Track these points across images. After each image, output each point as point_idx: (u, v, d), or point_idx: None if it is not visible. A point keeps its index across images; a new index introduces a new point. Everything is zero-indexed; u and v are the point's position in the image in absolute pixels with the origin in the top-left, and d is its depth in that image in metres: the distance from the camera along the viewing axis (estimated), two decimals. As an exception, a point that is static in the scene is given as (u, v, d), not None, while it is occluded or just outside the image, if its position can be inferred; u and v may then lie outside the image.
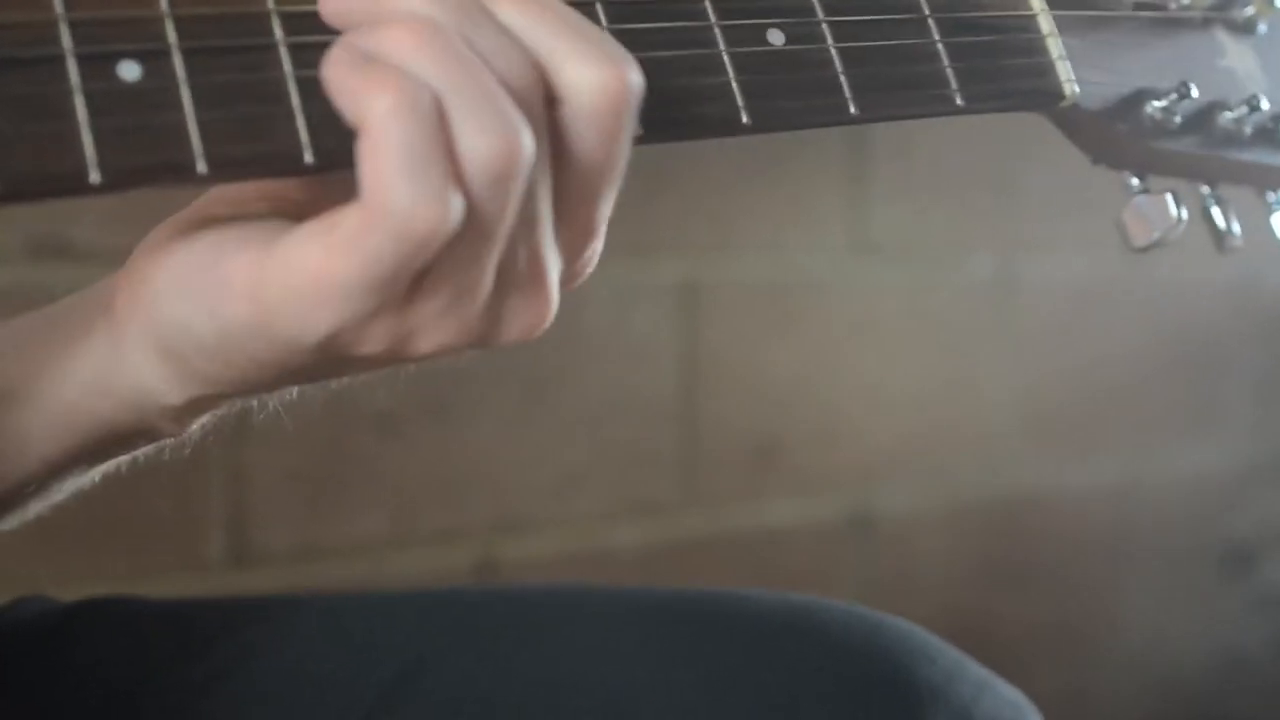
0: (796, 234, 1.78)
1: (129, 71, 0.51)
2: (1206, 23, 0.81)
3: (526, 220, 0.56)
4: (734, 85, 0.62)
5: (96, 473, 0.69)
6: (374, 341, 0.56)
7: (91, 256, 1.27)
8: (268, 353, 0.57)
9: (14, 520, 0.70)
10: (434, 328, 0.56)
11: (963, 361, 1.94)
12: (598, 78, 0.55)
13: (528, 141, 0.53)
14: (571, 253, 0.58)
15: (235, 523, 1.38)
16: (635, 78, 0.55)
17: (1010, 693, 0.78)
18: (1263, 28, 0.83)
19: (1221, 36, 0.82)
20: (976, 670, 0.78)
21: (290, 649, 0.82)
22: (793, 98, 0.64)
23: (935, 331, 1.91)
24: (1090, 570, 2.10)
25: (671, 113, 0.60)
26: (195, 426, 0.65)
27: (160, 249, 0.58)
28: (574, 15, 0.56)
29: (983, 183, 1.90)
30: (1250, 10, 0.82)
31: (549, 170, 0.55)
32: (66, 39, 0.50)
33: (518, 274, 0.57)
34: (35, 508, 0.70)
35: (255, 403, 0.66)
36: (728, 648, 0.77)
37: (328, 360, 0.57)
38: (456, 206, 0.52)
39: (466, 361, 0.61)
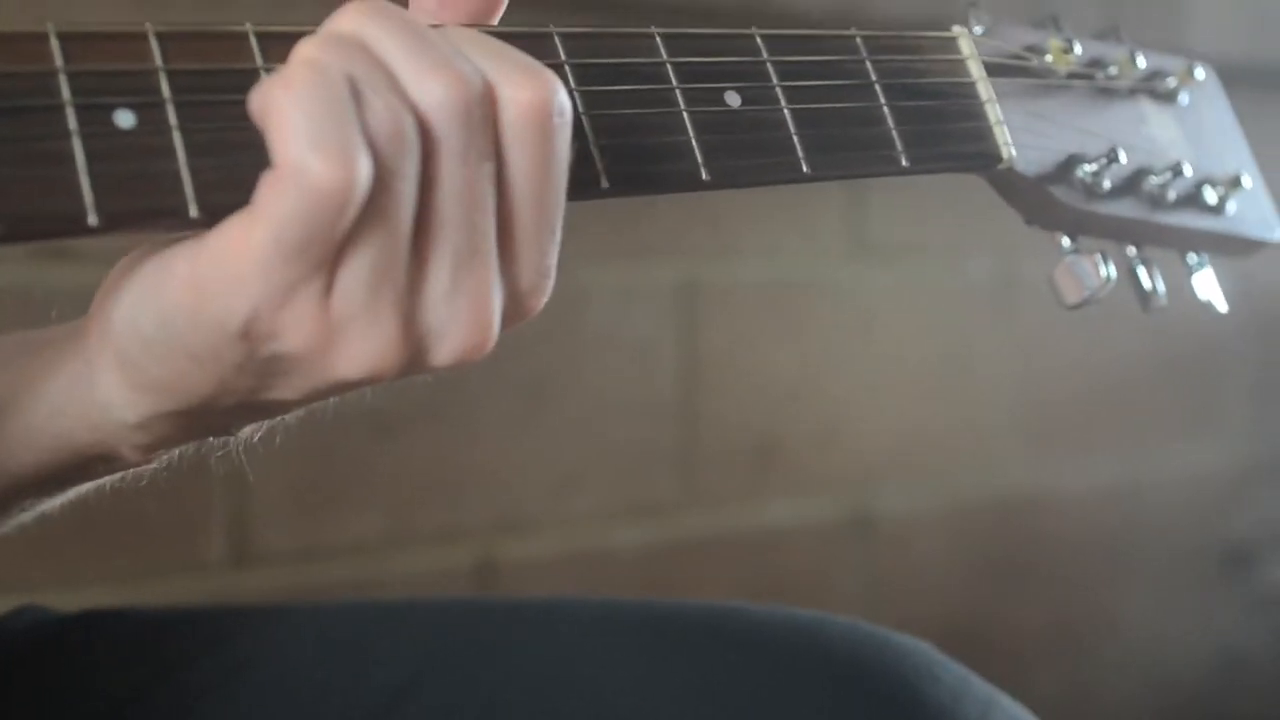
0: (796, 234, 1.78)
1: (125, 120, 0.53)
2: (1133, 93, 0.84)
3: (467, 225, 0.57)
4: (694, 144, 0.65)
5: (60, 500, 0.70)
6: (296, 330, 0.56)
7: (91, 257, 1.27)
8: (198, 342, 0.57)
9: None
10: (359, 327, 0.56)
11: (962, 362, 1.94)
12: (521, 93, 0.57)
13: (409, 126, 0.55)
14: (516, 286, 0.59)
15: (236, 523, 1.39)
16: (560, 97, 0.58)
17: (1015, 709, 0.79)
18: (1184, 98, 0.86)
19: (1147, 106, 0.85)
20: (981, 687, 0.78)
21: (286, 660, 0.82)
22: (749, 156, 0.67)
23: (935, 332, 1.91)
24: (1090, 570, 2.10)
25: (635, 168, 0.64)
26: (155, 463, 0.66)
27: (128, 265, 0.59)
28: (505, 45, 0.59)
29: (982, 183, 1.90)
30: (1173, 82, 0.86)
31: (493, 187, 0.57)
32: (65, 90, 0.53)
33: (456, 285, 0.57)
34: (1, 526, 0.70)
35: (217, 442, 0.66)
36: (732, 664, 0.77)
37: (258, 362, 0.57)
38: (364, 166, 0.53)
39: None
